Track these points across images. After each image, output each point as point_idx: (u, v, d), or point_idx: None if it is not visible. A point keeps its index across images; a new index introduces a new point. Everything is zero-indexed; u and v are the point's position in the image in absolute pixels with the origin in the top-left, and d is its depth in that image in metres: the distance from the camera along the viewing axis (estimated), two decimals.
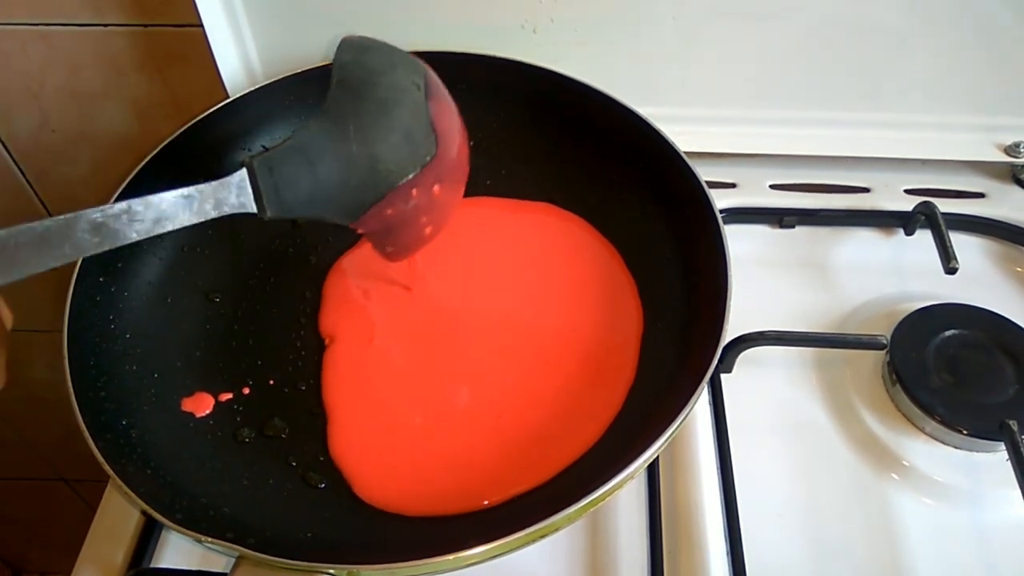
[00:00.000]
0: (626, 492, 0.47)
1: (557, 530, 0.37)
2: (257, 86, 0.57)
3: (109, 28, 0.62)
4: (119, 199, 0.51)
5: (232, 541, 0.37)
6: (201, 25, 0.56)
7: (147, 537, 0.46)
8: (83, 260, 0.48)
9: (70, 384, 0.43)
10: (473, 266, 0.54)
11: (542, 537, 0.37)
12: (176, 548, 0.46)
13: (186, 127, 0.54)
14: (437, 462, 0.45)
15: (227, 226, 0.54)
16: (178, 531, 0.37)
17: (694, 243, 0.50)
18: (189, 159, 0.55)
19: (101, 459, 0.40)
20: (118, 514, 0.47)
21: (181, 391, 0.48)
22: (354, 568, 0.37)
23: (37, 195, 0.75)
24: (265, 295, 0.53)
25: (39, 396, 0.99)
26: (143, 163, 0.53)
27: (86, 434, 0.41)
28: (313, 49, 0.60)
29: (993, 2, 0.55)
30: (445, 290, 0.53)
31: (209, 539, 0.37)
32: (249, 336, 0.51)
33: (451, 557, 0.36)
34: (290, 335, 0.51)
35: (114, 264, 0.50)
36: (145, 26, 0.62)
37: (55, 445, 1.08)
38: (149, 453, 0.44)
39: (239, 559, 0.37)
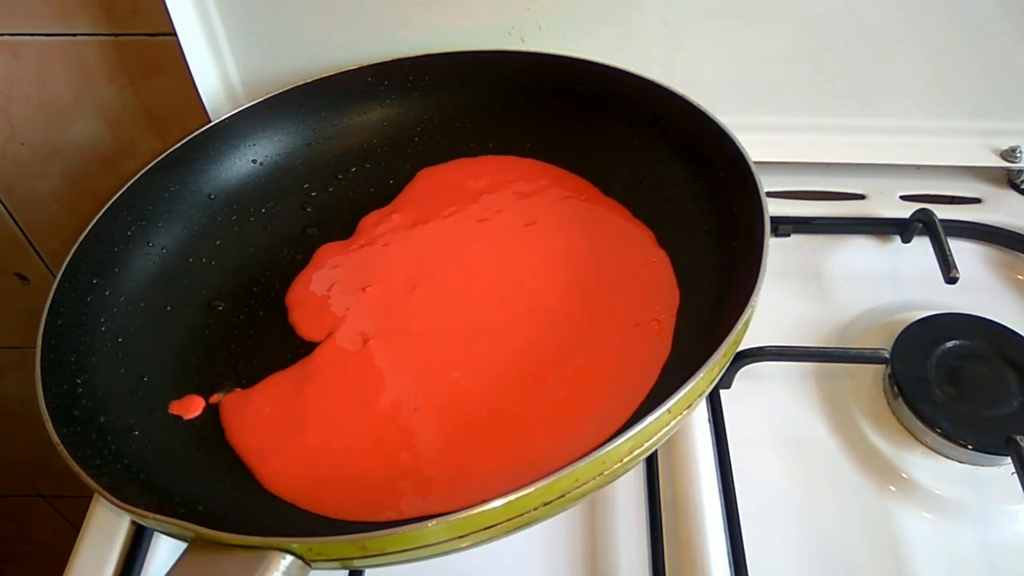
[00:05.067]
0: (625, 508, 0.46)
1: (600, 484, 0.35)
2: (243, 107, 0.56)
3: (78, 38, 0.60)
4: (102, 219, 0.49)
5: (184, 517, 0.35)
6: (175, 34, 0.55)
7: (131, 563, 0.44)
8: (73, 257, 0.47)
9: (38, 371, 0.41)
10: (484, 239, 0.52)
11: (580, 495, 0.34)
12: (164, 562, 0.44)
13: (172, 150, 0.53)
14: (452, 459, 0.42)
15: (236, 236, 0.54)
16: (119, 507, 0.35)
17: (728, 207, 0.48)
18: (175, 180, 0.54)
19: (58, 443, 0.38)
20: (100, 540, 0.45)
21: (170, 395, 0.46)
22: (318, 542, 0.34)
23: (7, 209, 0.73)
24: (269, 301, 0.51)
25: (13, 412, 0.98)
26: (127, 185, 0.51)
27: (48, 424, 0.39)
28: (293, 57, 0.59)
29: (986, 5, 0.54)
30: (453, 268, 0.50)
31: (152, 515, 0.35)
32: (247, 339, 0.49)
33: (469, 514, 0.32)
34: (294, 341, 0.48)
35: (110, 268, 0.49)
36: (116, 35, 0.60)
37: (32, 462, 1.06)
38: (124, 450, 0.42)
39: (190, 543, 0.35)
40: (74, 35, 0.60)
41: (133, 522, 0.45)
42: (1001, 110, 0.59)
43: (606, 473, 0.35)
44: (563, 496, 0.35)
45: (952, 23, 0.55)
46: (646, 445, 0.36)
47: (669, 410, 0.36)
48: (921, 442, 0.47)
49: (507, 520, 0.34)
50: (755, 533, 0.44)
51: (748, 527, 0.44)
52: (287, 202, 0.56)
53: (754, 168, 0.46)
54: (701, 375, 0.36)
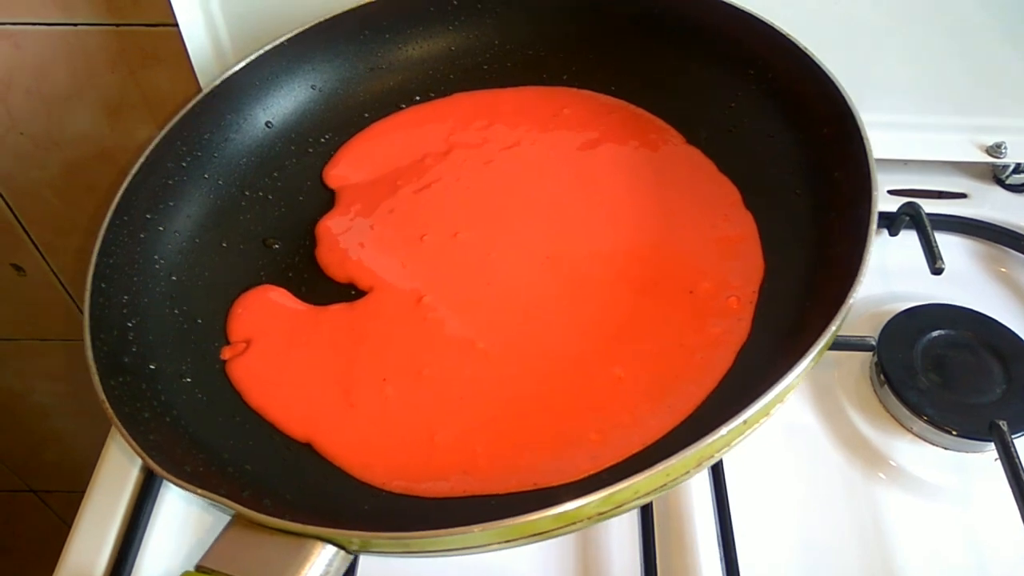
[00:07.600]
0: None
1: (661, 493, 0.33)
2: (303, 28, 0.53)
3: (79, 27, 0.60)
4: (155, 150, 0.47)
5: (228, 496, 0.33)
6: (176, 24, 0.55)
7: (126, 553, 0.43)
8: (126, 192, 0.45)
9: (87, 317, 0.40)
10: (545, 184, 0.48)
11: (638, 506, 0.33)
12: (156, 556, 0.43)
13: (226, 76, 0.52)
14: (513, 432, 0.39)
15: (294, 168, 0.52)
16: (165, 477, 0.34)
17: (829, 172, 0.43)
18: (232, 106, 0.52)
19: (104, 400, 0.36)
20: (94, 528, 0.44)
21: (224, 339, 0.44)
22: (360, 536, 0.32)
23: (4, 199, 0.73)
24: None
25: (6, 406, 0.97)
26: (182, 113, 0.49)
27: (93, 372, 0.37)
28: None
29: (972, 2, 0.55)
30: (511, 222, 0.47)
31: (198, 490, 0.34)
32: (302, 283, 0.47)
33: (518, 521, 0.30)
34: (348, 287, 0.47)
35: (165, 202, 0.47)
36: (117, 25, 0.60)
37: (23, 456, 1.06)
38: (173, 400, 0.40)
39: (234, 517, 0.34)
40: (75, 25, 0.60)
41: (137, 490, 0.44)
42: (987, 106, 0.60)
43: (668, 484, 0.33)
44: (620, 507, 0.33)
45: (938, 20, 0.56)
46: (716, 456, 0.33)
47: (745, 421, 0.32)
48: (907, 429, 0.48)
49: (556, 528, 0.32)
50: (744, 519, 0.44)
51: (737, 513, 0.44)
52: (347, 133, 0.53)
53: (864, 128, 0.41)
54: (786, 382, 0.32)
